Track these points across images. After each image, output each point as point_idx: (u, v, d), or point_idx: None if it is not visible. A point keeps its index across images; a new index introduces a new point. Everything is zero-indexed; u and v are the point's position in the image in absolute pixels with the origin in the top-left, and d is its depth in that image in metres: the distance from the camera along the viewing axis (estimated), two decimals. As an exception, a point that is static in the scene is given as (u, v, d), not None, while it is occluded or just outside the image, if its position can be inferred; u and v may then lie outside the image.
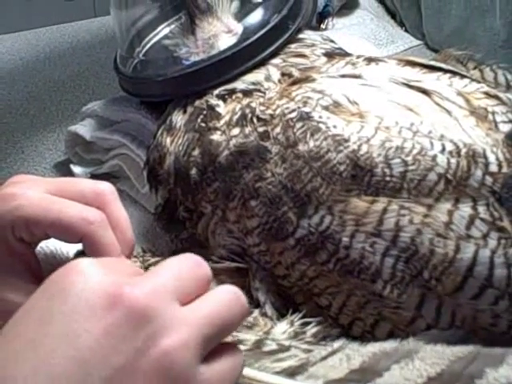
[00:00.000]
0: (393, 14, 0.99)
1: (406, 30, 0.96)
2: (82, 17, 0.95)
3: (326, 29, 0.90)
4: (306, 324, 0.40)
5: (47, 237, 0.39)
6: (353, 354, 0.36)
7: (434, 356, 0.35)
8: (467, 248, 0.36)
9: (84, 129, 0.58)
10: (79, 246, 0.41)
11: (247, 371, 0.33)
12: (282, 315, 0.42)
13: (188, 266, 0.33)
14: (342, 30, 0.89)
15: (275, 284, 0.43)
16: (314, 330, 0.40)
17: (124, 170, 0.57)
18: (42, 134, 0.68)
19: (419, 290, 0.37)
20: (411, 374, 0.34)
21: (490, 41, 0.83)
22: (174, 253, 0.48)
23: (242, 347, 0.33)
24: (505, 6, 0.81)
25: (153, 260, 0.45)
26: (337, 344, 0.37)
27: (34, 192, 0.39)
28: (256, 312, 0.41)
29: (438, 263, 0.37)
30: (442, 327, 0.38)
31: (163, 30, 0.58)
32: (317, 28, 0.89)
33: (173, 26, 0.58)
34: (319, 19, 0.90)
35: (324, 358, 0.35)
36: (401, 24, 0.97)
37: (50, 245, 0.45)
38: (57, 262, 0.49)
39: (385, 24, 0.95)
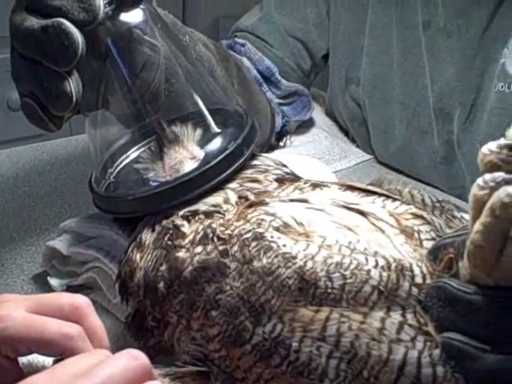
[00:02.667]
0: (346, 132, 1.09)
1: (358, 146, 1.05)
2: (58, 135, 1.02)
3: (284, 146, 0.99)
4: None
5: (31, 352, 0.44)
6: None
7: None
8: (398, 350, 0.42)
9: (61, 244, 0.63)
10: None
11: None
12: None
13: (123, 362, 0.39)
14: (298, 147, 0.98)
15: (235, 386, 0.47)
16: None
17: (97, 281, 0.62)
18: (21, 248, 0.73)
19: None
20: None
21: (430, 158, 0.92)
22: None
23: None
24: (441, 128, 0.91)
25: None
26: None
27: (18, 313, 0.44)
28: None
29: (374, 363, 0.42)
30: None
31: (133, 153, 0.65)
32: (276, 145, 0.98)
33: (142, 150, 0.65)
34: (278, 137, 0.99)
35: None
36: (353, 140, 1.07)
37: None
38: (33, 370, 0.53)
39: (338, 141, 1.04)
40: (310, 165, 0.84)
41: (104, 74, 0.61)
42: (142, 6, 0.60)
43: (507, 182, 0.39)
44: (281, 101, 0.97)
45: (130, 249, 0.55)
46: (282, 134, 1.00)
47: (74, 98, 0.55)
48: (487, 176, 0.40)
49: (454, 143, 0.89)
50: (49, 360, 0.52)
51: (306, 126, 1.05)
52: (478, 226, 0.40)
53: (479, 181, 0.40)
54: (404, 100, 0.93)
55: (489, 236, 0.39)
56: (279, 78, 0.95)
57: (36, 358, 0.54)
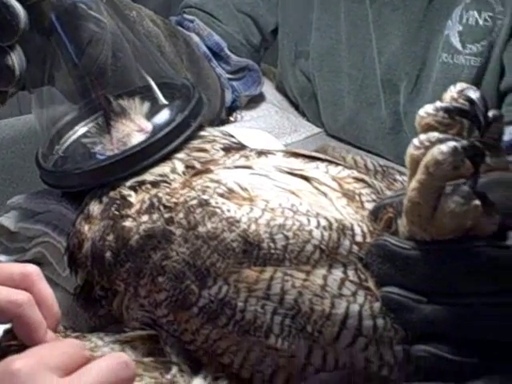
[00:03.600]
0: (296, 106, 1.11)
1: (308, 120, 1.07)
2: (7, 115, 1.01)
3: (235, 121, 0.99)
4: (218, 378, 0.46)
5: None
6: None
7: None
8: (340, 304, 0.44)
9: (8, 220, 0.63)
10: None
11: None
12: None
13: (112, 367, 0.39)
14: (249, 122, 0.99)
15: (184, 348, 0.48)
16: (225, 382, 0.46)
17: (46, 256, 0.62)
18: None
19: (306, 341, 0.44)
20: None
21: (378, 128, 0.94)
22: (93, 329, 0.54)
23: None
24: (388, 99, 0.93)
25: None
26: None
27: None
28: (174, 369, 0.47)
29: (317, 318, 0.43)
30: (328, 370, 0.44)
31: (81, 129, 0.65)
32: (227, 120, 0.99)
33: (90, 126, 0.65)
34: (228, 112, 1.00)
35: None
36: (303, 114, 1.08)
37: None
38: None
39: (288, 115, 1.05)
40: (260, 138, 0.85)
41: (49, 50, 0.61)
42: None
43: (441, 141, 0.40)
44: (231, 76, 0.98)
45: (78, 221, 0.55)
46: (232, 109, 1.01)
47: (17, 73, 0.55)
48: (422, 136, 0.42)
49: (401, 114, 0.92)
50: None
51: (256, 101, 1.06)
52: (413, 183, 0.41)
53: (415, 141, 0.42)
54: (352, 72, 0.95)
55: (424, 193, 0.41)
56: (228, 53, 0.96)
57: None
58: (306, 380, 0.45)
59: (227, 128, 0.93)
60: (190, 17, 0.96)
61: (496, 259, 0.41)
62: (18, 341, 0.45)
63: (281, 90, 1.12)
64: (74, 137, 0.65)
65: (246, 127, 0.94)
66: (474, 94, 0.42)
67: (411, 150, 0.42)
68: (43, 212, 0.63)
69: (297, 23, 1.00)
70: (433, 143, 0.41)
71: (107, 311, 0.54)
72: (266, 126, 0.98)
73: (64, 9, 0.59)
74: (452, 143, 0.39)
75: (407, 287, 0.43)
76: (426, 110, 0.43)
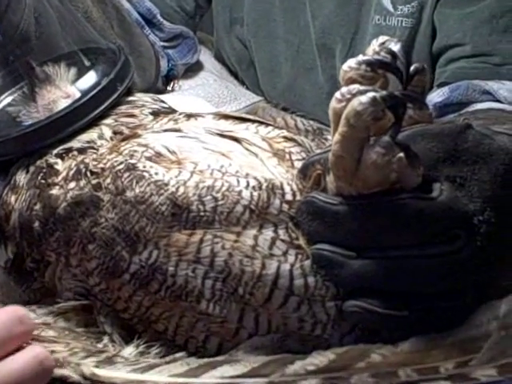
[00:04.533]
0: (235, 75, 1.10)
1: (248, 88, 1.06)
2: None
3: (172, 90, 0.98)
4: (151, 346, 0.46)
5: None
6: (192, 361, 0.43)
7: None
8: (271, 265, 0.44)
9: None
10: None
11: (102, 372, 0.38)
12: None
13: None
14: (187, 91, 0.98)
15: (118, 318, 0.48)
16: (158, 350, 0.46)
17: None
18: None
19: (238, 304, 0.44)
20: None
21: (316, 94, 0.95)
22: (28, 303, 0.53)
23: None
24: (325, 64, 0.93)
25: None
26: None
27: None
28: (105, 339, 0.46)
29: (248, 280, 0.43)
30: (261, 334, 0.45)
31: (6, 98, 0.63)
32: (163, 90, 0.97)
33: (15, 95, 0.63)
34: (165, 82, 0.98)
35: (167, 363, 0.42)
36: (242, 83, 1.08)
37: None
38: None
39: (227, 84, 1.04)
40: (197, 106, 0.84)
41: None
42: None
43: (361, 93, 0.40)
44: (165, 44, 0.96)
45: (5, 192, 0.54)
46: (169, 79, 0.99)
47: None
48: (344, 89, 0.42)
49: (338, 78, 0.92)
50: None
51: (194, 70, 1.05)
52: (336, 137, 0.41)
53: (337, 94, 0.42)
54: (288, 37, 0.95)
55: (346, 145, 0.41)
56: (161, 20, 0.94)
57: None
58: (240, 345, 0.45)
59: (164, 97, 0.92)
60: (120, -18, 0.93)
61: (421, 211, 0.41)
62: None
63: (219, 58, 1.11)
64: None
65: (184, 96, 0.93)
66: (395, 47, 0.43)
67: (333, 104, 0.42)
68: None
69: (231, -12, 0.99)
70: (354, 95, 0.41)
71: (41, 284, 0.52)
72: (204, 95, 0.97)
73: None
74: (371, 94, 0.39)
75: (337, 243, 0.43)
76: (349, 64, 0.43)
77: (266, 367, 0.42)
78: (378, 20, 0.86)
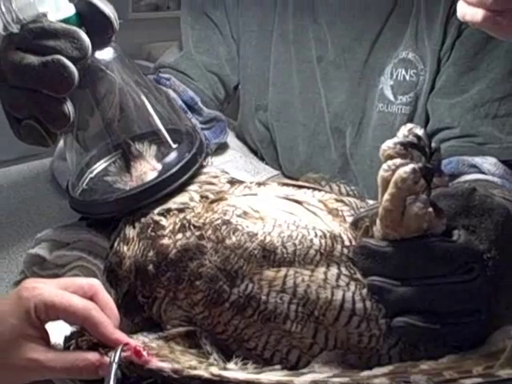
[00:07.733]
0: (255, 152, 1.26)
1: (267, 164, 1.21)
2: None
3: (207, 165, 1.13)
4: (247, 362, 0.58)
5: (58, 318, 0.57)
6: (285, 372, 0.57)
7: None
8: (338, 293, 0.58)
9: (43, 250, 0.74)
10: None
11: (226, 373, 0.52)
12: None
13: None
14: (220, 166, 1.13)
15: (216, 339, 0.61)
16: (255, 365, 0.58)
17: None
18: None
19: (313, 324, 0.58)
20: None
21: (329, 169, 1.09)
22: (132, 333, 0.66)
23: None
24: (337, 143, 1.10)
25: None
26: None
27: (50, 286, 0.56)
28: (211, 357, 0.59)
29: (322, 304, 0.58)
30: (329, 349, 0.58)
31: (100, 166, 0.77)
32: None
33: (108, 164, 0.77)
34: (201, 158, 1.14)
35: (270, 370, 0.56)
36: (261, 159, 1.23)
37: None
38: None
39: (250, 159, 1.19)
40: (240, 176, 1.00)
41: (84, 100, 0.73)
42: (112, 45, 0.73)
43: (403, 165, 0.57)
44: (203, 126, 1.11)
45: (116, 243, 0.68)
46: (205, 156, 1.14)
47: (71, 118, 0.67)
48: (389, 162, 0.58)
49: (348, 155, 1.08)
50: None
51: (222, 148, 1.19)
52: (386, 196, 0.57)
53: (384, 166, 0.58)
54: (305, 121, 1.10)
55: (394, 202, 0.57)
56: (201, 106, 1.09)
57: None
58: (314, 359, 0.58)
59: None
60: (166, 75, 1.09)
61: (447, 250, 0.56)
62: (87, 337, 0.58)
63: (241, 138, 1.26)
64: (95, 173, 0.77)
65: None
66: (420, 131, 0.59)
67: (382, 173, 0.58)
68: (74, 241, 0.74)
69: (256, 80, 1.15)
70: (397, 166, 0.57)
71: (143, 318, 0.65)
72: (233, 168, 1.12)
73: (96, 67, 0.72)
74: (412, 165, 0.55)
75: (385, 275, 0.58)
76: (388, 145, 0.59)
77: (343, 374, 0.55)
78: (382, 107, 1.02)
